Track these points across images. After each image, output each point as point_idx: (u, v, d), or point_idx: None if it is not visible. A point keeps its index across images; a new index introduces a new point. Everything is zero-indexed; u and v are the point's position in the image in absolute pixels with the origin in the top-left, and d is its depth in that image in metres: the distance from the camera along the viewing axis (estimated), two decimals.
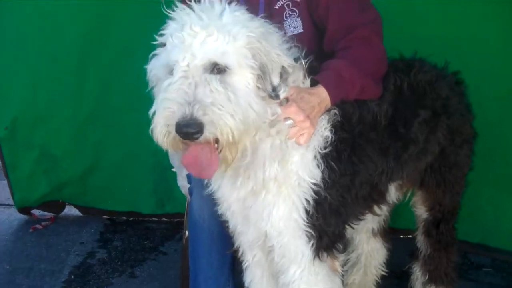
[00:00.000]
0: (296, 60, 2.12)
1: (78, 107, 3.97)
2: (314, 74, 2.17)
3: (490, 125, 3.12)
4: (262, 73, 1.96)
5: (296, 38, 2.35)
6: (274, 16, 2.42)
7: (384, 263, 3.15)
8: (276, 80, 2.00)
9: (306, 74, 2.15)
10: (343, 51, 2.27)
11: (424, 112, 2.43)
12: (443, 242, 2.83)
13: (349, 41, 2.28)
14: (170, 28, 1.98)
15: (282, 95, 2.04)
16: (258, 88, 1.97)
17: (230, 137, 1.84)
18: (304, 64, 2.14)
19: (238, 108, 1.87)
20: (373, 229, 3.07)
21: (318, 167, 2.11)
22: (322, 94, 2.10)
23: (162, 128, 1.86)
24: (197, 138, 1.82)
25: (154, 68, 2.04)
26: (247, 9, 2.30)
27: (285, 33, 2.40)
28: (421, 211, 2.83)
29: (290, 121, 2.04)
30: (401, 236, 3.58)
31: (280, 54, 2.01)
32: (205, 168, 1.92)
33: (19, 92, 3.96)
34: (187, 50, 1.88)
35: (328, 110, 2.15)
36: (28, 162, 4.09)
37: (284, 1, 2.43)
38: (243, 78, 1.94)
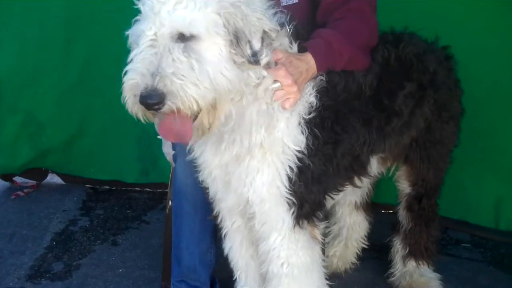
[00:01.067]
0: (281, 25, 2.10)
1: (64, 73, 3.96)
2: (302, 41, 2.16)
3: (477, 102, 3.13)
4: (236, 39, 1.94)
5: (291, 9, 2.35)
6: None
7: (366, 236, 3.19)
8: (257, 45, 1.98)
9: (292, 39, 2.15)
10: (335, 21, 2.27)
11: (410, 85, 2.42)
12: (425, 217, 2.86)
13: (343, 12, 2.29)
14: None
15: (264, 59, 2.03)
16: (233, 54, 1.95)
17: (195, 106, 1.84)
18: (289, 30, 2.13)
19: (203, 77, 1.86)
20: (356, 202, 3.11)
21: (303, 133, 2.12)
22: (310, 61, 2.11)
23: (129, 98, 1.88)
24: (159, 109, 1.83)
25: (132, 34, 2.02)
26: None
27: (280, 3, 2.40)
28: (404, 186, 2.85)
29: (277, 84, 2.04)
30: (382, 211, 3.59)
31: (261, 17, 1.99)
32: (180, 136, 1.94)
33: (6, 56, 3.93)
34: (155, 19, 1.87)
35: (314, 77, 2.15)
36: (12, 126, 4.08)
37: None
38: (213, 46, 1.92)
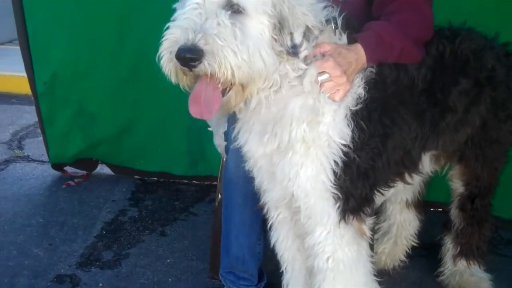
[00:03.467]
0: (327, 21, 2.13)
1: (117, 66, 4.05)
2: (353, 32, 2.19)
3: None
4: (280, 25, 1.97)
5: (349, 4, 2.39)
6: None
7: (415, 234, 3.22)
8: (298, 38, 2.01)
9: (341, 31, 2.16)
10: (389, 15, 2.30)
11: (465, 81, 2.41)
12: (477, 217, 2.87)
13: (397, 5, 2.31)
14: None
15: (304, 52, 2.06)
16: (274, 39, 1.98)
17: (229, 74, 1.86)
18: (338, 24, 2.15)
19: (244, 48, 1.88)
20: (407, 200, 3.13)
21: (348, 126, 2.12)
22: (359, 52, 2.13)
23: (165, 53, 1.90)
24: (194, 67, 1.84)
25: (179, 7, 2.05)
26: None
27: None
28: (457, 185, 2.86)
29: (326, 76, 2.06)
30: (431, 209, 3.58)
31: (306, 13, 2.02)
32: (206, 107, 1.95)
33: (60, 49, 4.04)
34: None
35: (364, 69, 2.17)
36: (64, 118, 4.22)
37: None
38: (258, 24, 1.95)
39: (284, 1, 1.98)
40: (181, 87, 2.01)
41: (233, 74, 1.87)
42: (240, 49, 1.87)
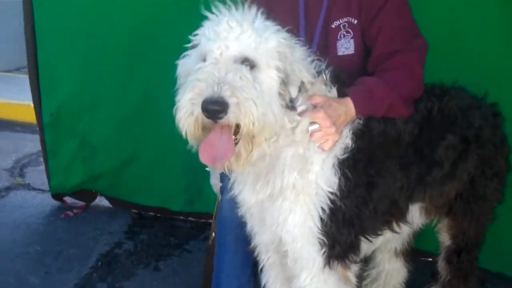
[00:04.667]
0: (318, 73, 2.30)
1: (122, 100, 4.17)
2: (343, 85, 2.36)
3: None
4: (285, 80, 2.12)
5: (347, 59, 2.61)
6: (329, 34, 2.65)
7: (404, 283, 3.30)
8: (294, 93, 2.17)
9: (330, 84, 2.32)
10: (382, 71, 2.47)
11: (452, 137, 2.54)
12: (463, 270, 2.96)
13: (391, 63, 2.48)
14: (206, 25, 2.16)
15: (301, 108, 2.22)
16: (280, 93, 2.13)
17: (251, 125, 1.96)
18: (325, 78, 2.31)
19: (262, 101, 2.01)
20: (395, 249, 3.22)
21: (335, 175, 2.26)
22: (349, 105, 2.30)
23: (186, 105, 1.96)
24: (220, 118, 1.92)
25: (184, 64, 2.20)
26: (307, 23, 2.61)
27: (336, 52, 2.63)
28: (445, 238, 2.96)
29: (316, 126, 2.22)
30: (422, 259, 3.68)
31: (301, 69, 2.18)
32: (219, 155, 2.01)
33: (67, 81, 4.17)
34: (222, 42, 2.05)
35: (353, 121, 2.33)
36: (68, 149, 4.35)
37: (341, 21, 2.64)
38: (269, 79, 2.10)
39: (286, 57, 2.14)
40: (189, 139, 2.07)
41: (254, 125, 1.98)
42: (260, 103, 2.00)
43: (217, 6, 2.21)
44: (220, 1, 2.24)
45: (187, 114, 1.98)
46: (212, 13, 2.19)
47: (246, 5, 2.21)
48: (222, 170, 2.86)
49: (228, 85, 1.93)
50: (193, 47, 2.21)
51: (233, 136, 2.03)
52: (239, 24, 2.09)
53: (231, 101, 1.92)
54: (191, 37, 2.22)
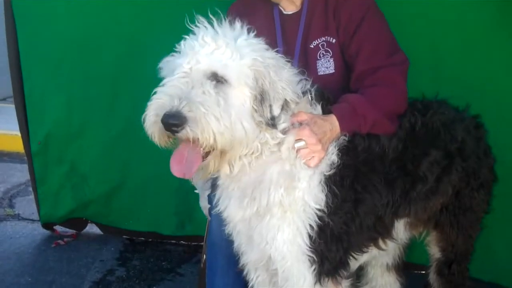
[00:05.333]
0: (304, 93, 2.35)
1: (109, 126, 4.23)
2: (327, 103, 2.42)
3: (508, 167, 3.19)
4: (262, 98, 2.18)
5: (328, 78, 2.66)
6: (309, 54, 2.71)
7: None
8: (277, 111, 2.23)
9: (315, 102, 2.38)
10: (365, 88, 2.52)
11: (435, 152, 2.60)
12: (454, 282, 2.98)
13: (373, 80, 2.54)
14: (187, 38, 2.25)
15: (282, 125, 2.27)
16: (255, 110, 2.18)
17: (211, 140, 2.04)
18: (310, 97, 2.37)
19: (226, 115, 2.08)
20: (387, 264, 3.25)
21: (323, 191, 2.30)
22: (334, 122, 2.36)
23: (151, 116, 2.07)
24: (177, 132, 2.02)
25: (166, 67, 2.27)
26: (285, 44, 2.64)
27: (317, 72, 2.68)
28: (434, 251, 3.00)
29: (302, 143, 2.27)
30: (415, 272, 3.70)
31: (285, 87, 2.24)
32: (186, 168, 2.13)
33: (54, 109, 4.23)
34: (193, 56, 2.13)
35: (338, 138, 2.38)
36: (57, 177, 4.38)
37: (319, 41, 2.70)
38: (240, 95, 2.17)
39: (265, 76, 2.20)
40: (162, 146, 2.18)
41: (215, 140, 2.06)
42: (223, 116, 2.07)
43: (202, 22, 2.28)
44: (206, 17, 2.30)
45: (151, 123, 2.09)
46: (197, 27, 2.26)
47: (236, 22, 2.29)
48: (209, 191, 2.93)
49: (187, 100, 2.01)
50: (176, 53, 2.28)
51: (201, 149, 2.11)
52: (214, 39, 2.16)
53: (189, 115, 2.01)
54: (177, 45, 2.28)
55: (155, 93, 2.13)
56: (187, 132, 2.02)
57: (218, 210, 2.50)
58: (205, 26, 2.24)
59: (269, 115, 2.20)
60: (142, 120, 2.13)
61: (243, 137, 2.15)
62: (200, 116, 2.02)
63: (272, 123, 2.21)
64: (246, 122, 2.16)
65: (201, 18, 2.27)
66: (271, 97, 2.20)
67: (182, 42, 2.25)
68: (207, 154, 2.16)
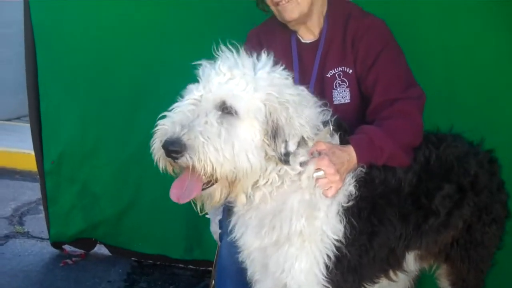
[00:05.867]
0: (324, 123, 2.37)
1: (122, 147, 4.26)
2: (345, 133, 2.44)
3: None
4: (273, 133, 2.18)
5: (343, 107, 2.69)
6: (325, 83, 2.74)
7: None
8: (292, 147, 2.22)
9: (333, 133, 2.40)
10: (382, 120, 2.54)
11: (448, 186, 2.60)
12: None
13: (390, 112, 2.56)
14: (207, 65, 2.27)
15: (301, 158, 2.27)
16: (267, 144, 2.19)
17: (209, 169, 2.06)
18: (331, 128, 2.38)
19: (227, 147, 2.09)
20: None
21: (341, 222, 2.31)
22: (351, 153, 2.37)
23: (156, 142, 2.11)
24: (177, 158, 2.05)
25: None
26: (302, 73, 2.68)
27: (332, 101, 2.72)
28: (444, 284, 2.97)
29: (321, 172, 2.28)
30: None
31: (304, 125, 2.24)
32: (184, 194, 2.16)
33: (69, 128, 4.29)
34: (206, 84, 2.17)
35: (355, 169, 2.39)
36: (69, 197, 4.41)
37: (336, 71, 2.74)
38: (249, 127, 2.17)
39: (282, 111, 2.20)
40: (168, 172, 2.21)
41: (214, 170, 2.08)
42: (223, 148, 2.08)
43: (224, 51, 2.29)
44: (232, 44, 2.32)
45: (156, 149, 2.13)
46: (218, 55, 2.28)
47: (261, 52, 2.30)
48: (220, 216, 2.93)
49: (189, 128, 2.05)
50: None
51: (202, 178, 2.12)
52: (230, 69, 2.18)
53: (188, 143, 2.04)
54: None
55: (162, 117, 2.16)
56: (186, 159, 2.05)
57: (234, 238, 2.50)
58: (227, 56, 2.26)
59: (283, 151, 2.20)
60: (150, 144, 2.17)
61: (248, 168, 2.15)
62: (198, 145, 2.04)
63: (285, 159, 2.22)
64: (252, 155, 2.16)
65: (223, 47, 2.29)
66: (286, 133, 2.20)
67: (200, 69, 2.28)
68: (209, 182, 2.17)
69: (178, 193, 2.19)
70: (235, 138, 2.13)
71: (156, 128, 2.14)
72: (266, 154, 2.21)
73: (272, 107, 2.19)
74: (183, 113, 2.11)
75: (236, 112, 2.16)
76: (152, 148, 2.15)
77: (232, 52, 2.28)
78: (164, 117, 2.16)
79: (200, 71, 2.26)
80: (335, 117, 2.43)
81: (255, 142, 2.18)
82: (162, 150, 2.08)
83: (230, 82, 2.17)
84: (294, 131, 2.23)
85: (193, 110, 2.11)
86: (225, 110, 2.15)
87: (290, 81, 2.32)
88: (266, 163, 2.23)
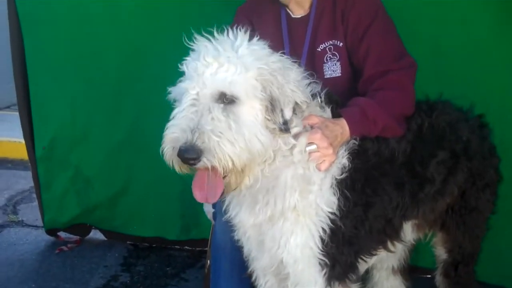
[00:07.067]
0: (313, 96, 2.35)
1: (113, 131, 4.24)
2: (336, 106, 2.41)
3: None
4: (272, 106, 2.16)
5: (334, 81, 2.66)
6: (316, 57, 2.72)
7: None
8: (288, 114, 2.21)
9: (325, 106, 2.38)
10: (374, 91, 2.52)
11: (442, 153, 2.59)
12: (461, 283, 2.96)
13: (382, 83, 2.53)
14: (189, 58, 2.22)
15: (295, 129, 2.26)
16: (268, 120, 2.17)
17: (230, 164, 2.03)
18: (320, 100, 2.36)
19: (240, 137, 2.06)
20: (393, 267, 3.23)
21: (335, 195, 2.30)
22: (344, 126, 2.35)
23: (168, 149, 2.08)
24: (194, 164, 2.03)
25: (175, 92, 2.24)
26: (292, 47, 2.64)
27: (323, 75, 2.69)
28: (440, 252, 2.98)
29: (313, 146, 2.26)
30: (421, 276, 3.68)
31: (294, 89, 2.22)
32: (209, 192, 2.13)
33: (58, 114, 4.26)
34: (199, 79, 2.11)
35: (347, 141, 2.37)
36: (61, 182, 4.39)
37: (326, 44, 2.71)
38: (251, 109, 2.15)
39: (273, 82, 2.17)
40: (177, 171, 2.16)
41: (233, 163, 2.05)
42: (237, 139, 2.05)
43: (200, 38, 2.24)
44: (206, 31, 2.27)
45: (170, 155, 2.09)
46: (196, 43, 2.23)
47: (234, 31, 2.25)
48: None
49: (199, 132, 2.01)
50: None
51: (222, 172, 2.09)
52: (216, 58, 2.12)
53: (204, 147, 2.00)
54: (180, 65, 2.25)
55: (167, 127, 2.11)
56: (204, 162, 2.02)
57: (229, 217, 2.48)
58: (204, 44, 2.20)
59: (281, 120, 2.19)
60: (160, 152, 2.12)
61: (261, 150, 2.14)
62: (214, 146, 2.01)
63: (285, 127, 2.20)
64: (261, 134, 2.14)
65: (198, 37, 2.24)
66: (281, 102, 2.18)
67: (184, 64, 2.22)
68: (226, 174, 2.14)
69: (204, 195, 2.15)
70: (244, 125, 2.10)
71: (166, 137, 2.09)
72: (268, 128, 2.19)
73: (264, 81, 2.16)
74: (187, 116, 2.06)
75: (237, 98, 2.12)
76: (165, 155, 2.10)
77: (208, 39, 2.23)
78: (168, 127, 2.11)
79: (184, 66, 2.21)
80: (325, 90, 2.41)
81: (260, 122, 2.16)
82: (177, 158, 2.05)
83: (220, 70, 2.12)
84: (287, 98, 2.20)
85: (195, 111, 2.06)
86: (225, 100, 2.11)
87: (268, 49, 2.28)
88: (273, 138, 2.21)
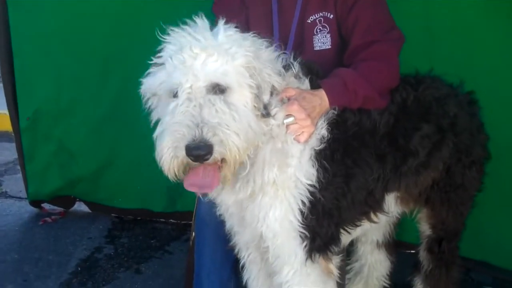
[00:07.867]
0: (286, 67, 2.30)
1: (98, 104, 4.21)
2: (316, 77, 2.38)
3: (501, 146, 3.13)
4: (257, 92, 2.12)
5: (324, 54, 2.62)
6: (305, 29, 2.67)
7: (387, 275, 3.32)
8: (266, 98, 2.16)
9: (301, 77, 2.34)
10: (358, 62, 2.48)
11: (427, 127, 2.56)
12: (445, 259, 2.97)
13: (367, 54, 2.50)
14: (168, 50, 2.10)
15: (274, 111, 2.21)
16: (255, 107, 2.13)
17: (237, 156, 2.00)
18: (294, 71, 2.32)
19: (242, 127, 2.03)
20: (377, 241, 3.23)
21: (313, 166, 2.27)
22: (323, 97, 2.32)
23: (169, 151, 1.97)
24: (207, 159, 1.95)
25: (151, 87, 2.17)
26: (282, 19, 2.60)
27: (313, 47, 2.65)
28: (425, 228, 2.97)
29: (291, 118, 2.23)
30: (406, 251, 3.69)
31: (270, 73, 2.18)
32: (207, 186, 2.04)
33: (43, 86, 4.22)
34: (189, 72, 2.02)
35: (327, 112, 2.34)
36: (45, 154, 4.36)
37: (317, 16, 2.66)
38: (242, 97, 2.10)
39: (255, 68, 2.12)
40: (171, 178, 2.07)
41: (240, 154, 2.01)
42: (240, 130, 2.01)
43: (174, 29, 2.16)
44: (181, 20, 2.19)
45: (170, 158, 1.98)
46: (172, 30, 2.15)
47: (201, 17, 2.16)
48: None
49: (207, 126, 1.94)
50: (157, 65, 2.16)
51: (219, 164, 2.04)
52: (204, 48, 2.04)
53: (214, 140, 1.94)
54: (153, 58, 2.17)
55: (163, 130, 2.02)
56: (215, 156, 1.96)
57: (212, 197, 2.42)
58: (183, 35, 2.11)
59: (262, 106, 2.15)
60: (155, 157, 2.03)
61: (253, 138, 2.11)
62: (226, 138, 1.96)
63: (266, 112, 2.16)
64: (253, 122, 2.11)
65: (173, 28, 2.15)
66: (262, 88, 2.15)
67: (165, 57, 2.11)
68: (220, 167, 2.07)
69: (197, 186, 2.05)
70: (242, 115, 2.06)
71: (168, 136, 1.97)
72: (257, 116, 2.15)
73: (250, 68, 2.11)
74: (187, 112, 1.98)
75: (229, 88, 2.07)
76: (164, 157, 1.98)
77: (181, 29, 2.14)
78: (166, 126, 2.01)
79: (167, 59, 2.09)
80: (300, 60, 2.36)
81: (249, 109, 2.12)
82: (180, 158, 1.95)
83: (209, 60, 2.04)
84: (266, 83, 2.16)
85: (194, 106, 1.98)
86: (219, 91, 2.04)
87: (240, 32, 2.20)
88: (261, 124, 2.18)
